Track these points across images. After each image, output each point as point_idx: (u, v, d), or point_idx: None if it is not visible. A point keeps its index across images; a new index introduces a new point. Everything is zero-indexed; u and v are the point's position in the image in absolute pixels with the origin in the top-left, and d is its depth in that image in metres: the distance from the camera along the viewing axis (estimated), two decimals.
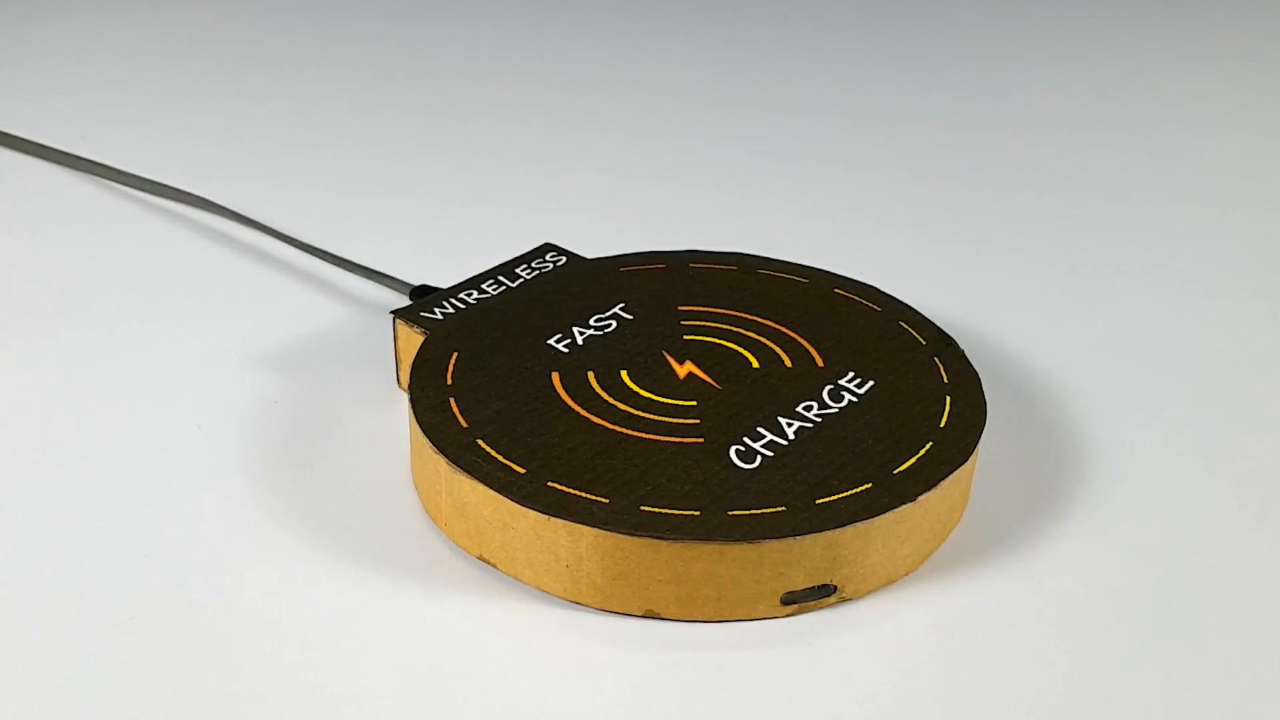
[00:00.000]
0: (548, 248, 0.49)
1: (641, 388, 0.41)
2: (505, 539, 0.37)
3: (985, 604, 0.37)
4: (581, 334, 0.44)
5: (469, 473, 0.37)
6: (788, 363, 0.43)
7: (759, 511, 0.36)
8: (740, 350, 0.43)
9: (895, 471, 0.38)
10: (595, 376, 0.42)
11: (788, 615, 0.36)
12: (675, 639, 0.36)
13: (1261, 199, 0.62)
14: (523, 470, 0.37)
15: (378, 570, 0.38)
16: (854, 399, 0.41)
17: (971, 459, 0.39)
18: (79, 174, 0.61)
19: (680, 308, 0.45)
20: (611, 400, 0.40)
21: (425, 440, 0.39)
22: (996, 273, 0.55)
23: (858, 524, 0.36)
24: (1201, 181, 0.64)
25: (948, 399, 0.41)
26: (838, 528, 0.36)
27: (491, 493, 0.37)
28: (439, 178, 0.63)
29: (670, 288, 0.47)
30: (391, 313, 0.45)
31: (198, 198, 0.57)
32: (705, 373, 0.42)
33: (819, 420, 0.40)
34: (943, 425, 0.40)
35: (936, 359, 0.43)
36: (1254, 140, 0.69)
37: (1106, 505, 0.41)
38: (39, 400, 0.45)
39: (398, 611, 0.36)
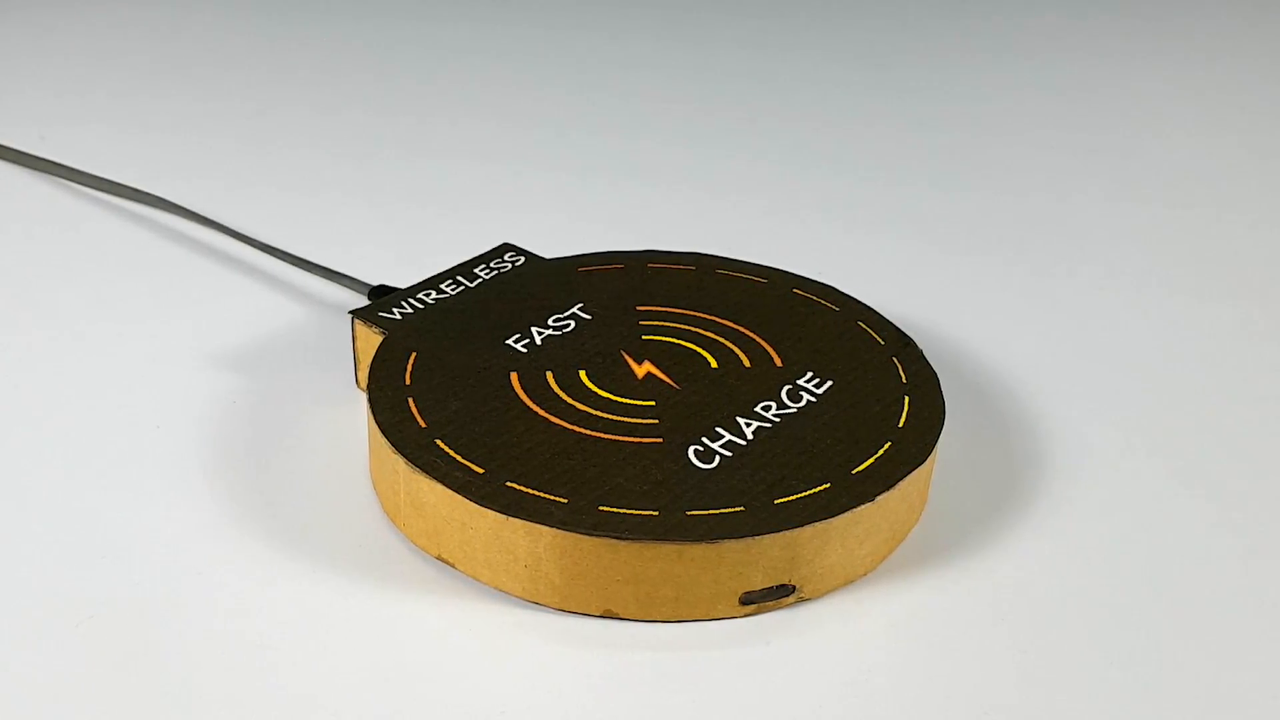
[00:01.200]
0: (506, 248, 0.49)
1: (600, 388, 0.41)
2: (464, 539, 0.37)
3: (943, 604, 0.37)
4: (540, 334, 0.44)
5: (427, 472, 0.37)
6: (746, 363, 0.43)
7: (717, 511, 0.36)
8: (699, 350, 0.43)
9: (854, 471, 0.38)
10: (554, 377, 0.41)
11: (746, 615, 0.36)
12: (634, 639, 0.36)
13: (1216, 199, 0.63)
14: (481, 470, 0.37)
15: (336, 570, 0.38)
16: (812, 399, 0.41)
17: (930, 459, 0.39)
18: (37, 174, 0.61)
19: (639, 308, 0.45)
20: (570, 400, 0.40)
21: (384, 440, 0.38)
22: (955, 273, 0.55)
23: (816, 524, 0.36)
24: (1158, 183, 0.65)
25: (906, 399, 0.41)
26: (796, 528, 0.36)
27: (450, 492, 0.36)
28: (398, 178, 0.63)
29: (629, 288, 0.47)
30: (350, 313, 0.44)
31: (156, 197, 0.57)
32: (664, 373, 0.42)
33: (777, 420, 0.40)
34: (901, 425, 0.40)
35: (895, 359, 0.43)
36: (1209, 141, 0.70)
37: (1065, 505, 0.41)
38: None
39: (356, 611, 0.36)
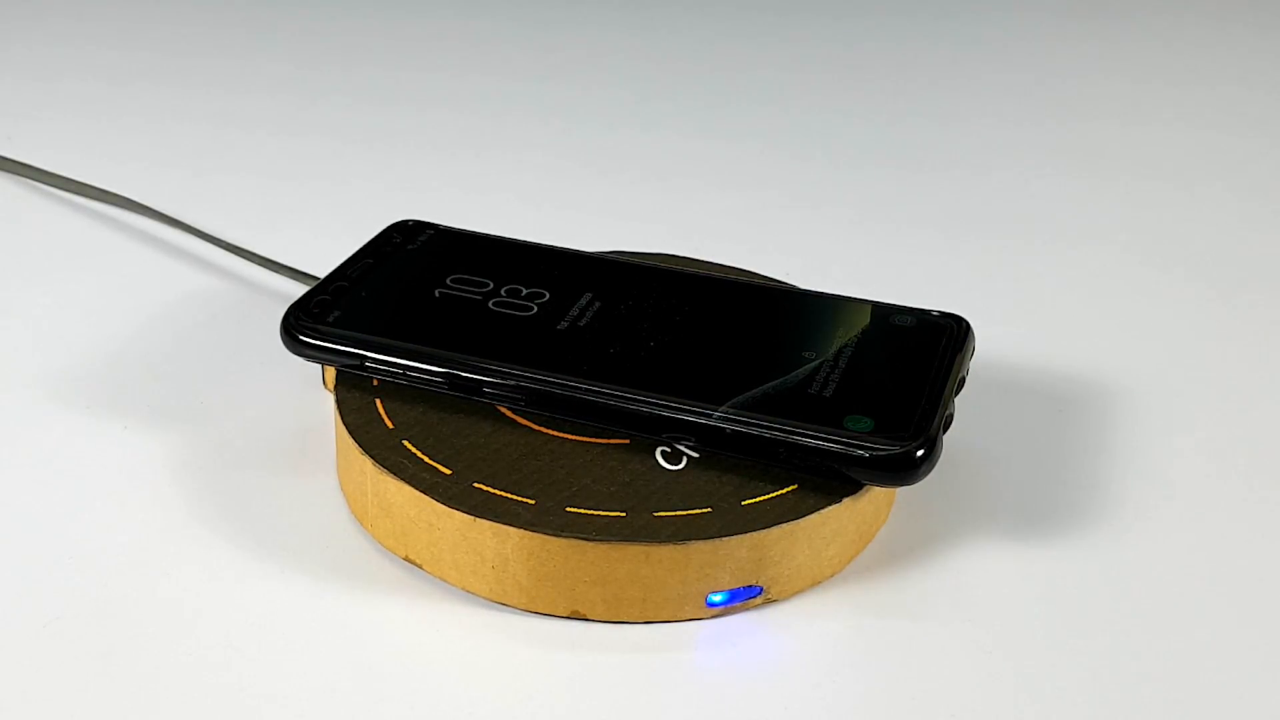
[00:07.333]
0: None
1: None
2: (431, 540, 0.37)
3: (910, 605, 0.37)
4: None
5: (395, 474, 0.37)
6: None
7: (685, 513, 0.36)
8: None
9: None
10: None
11: (713, 617, 0.36)
12: (601, 640, 0.36)
13: (1186, 193, 0.63)
14: (448, 471, 0.37)
15: (303, 571, 0.38)
16: None
17: None
18: (2, 174, 0.61)
19: None
20: None
21: (351, 441, 0.38)
22: (922, 273, 0.55)
23: (783, 525, 0.36)
24: (1126, 176, 0.65)
25: None
26: (763, 529, 0.36)
27: (417, 494, 0.36)
28: (367, 174, 0.63)
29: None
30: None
31: (123, 198, 0.57)
32: None
33: None
34: None
35: None
36: (1179, 138, 0.70)
37: (1030, 505, 0.41)
38: None
39: (323, 613, 0.36)
